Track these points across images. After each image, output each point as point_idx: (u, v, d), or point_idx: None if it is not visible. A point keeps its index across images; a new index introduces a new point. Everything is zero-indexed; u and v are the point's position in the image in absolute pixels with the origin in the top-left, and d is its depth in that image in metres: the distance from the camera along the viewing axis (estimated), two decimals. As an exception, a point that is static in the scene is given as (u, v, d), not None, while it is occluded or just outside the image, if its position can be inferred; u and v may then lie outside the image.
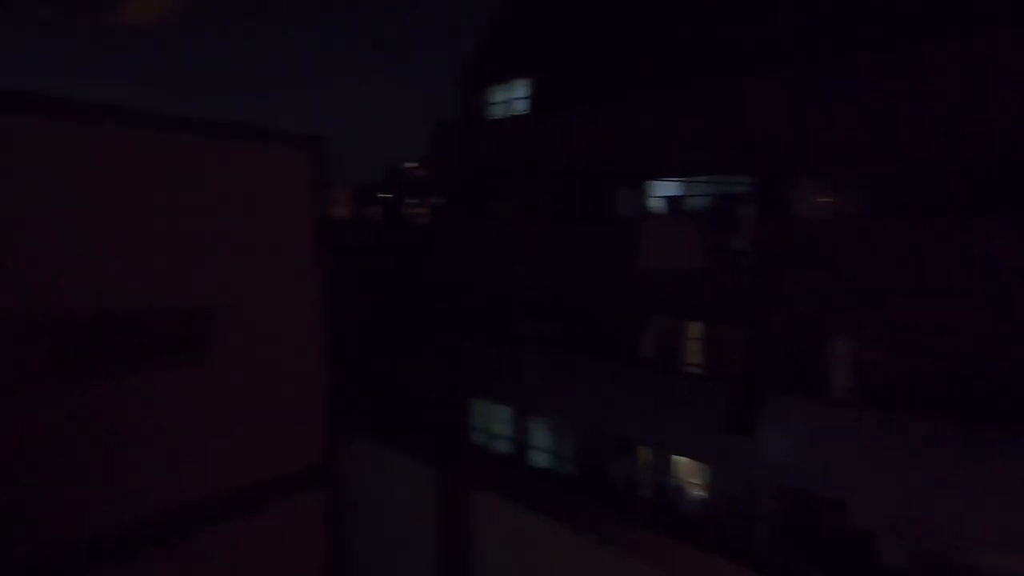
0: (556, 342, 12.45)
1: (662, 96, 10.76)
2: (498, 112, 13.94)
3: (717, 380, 10.16)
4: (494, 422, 13.68)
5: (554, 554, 2.22)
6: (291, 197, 2.32)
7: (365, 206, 16.66)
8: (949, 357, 8.15)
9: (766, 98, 9.51)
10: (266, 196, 2.15)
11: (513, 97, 13.52)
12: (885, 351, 8.82)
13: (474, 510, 2.45)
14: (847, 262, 8.72)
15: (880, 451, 8.32)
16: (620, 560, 2.15)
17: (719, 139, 9.99)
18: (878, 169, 9.27)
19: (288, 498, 2.68)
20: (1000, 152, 7.87)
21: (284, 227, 2.33)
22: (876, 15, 8.80)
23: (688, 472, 11.00)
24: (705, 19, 10.66)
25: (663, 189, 11.39)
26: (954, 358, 8.10)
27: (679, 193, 11.33)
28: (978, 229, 7.74)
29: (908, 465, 8.11)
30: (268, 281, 2.16)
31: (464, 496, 2.42)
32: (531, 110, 13.14)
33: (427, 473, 2.57)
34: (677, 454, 11.24)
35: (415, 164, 16.22)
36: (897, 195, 8.97)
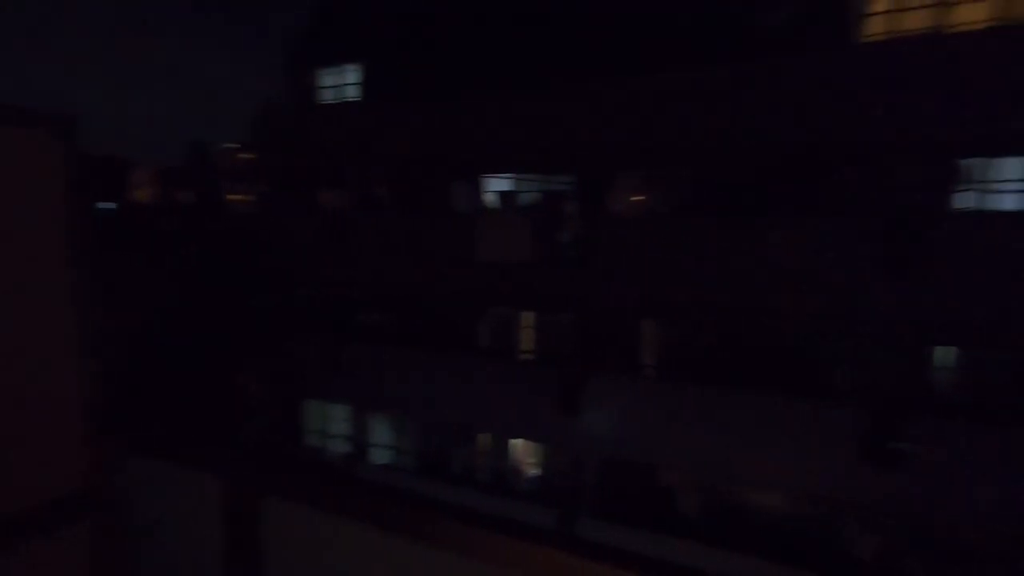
0: (395, 335, 12.27)
1: (493, 97, 11.10)
2: (329, 96, 13.22)
3: (549, 365, 10.86)
4: (331, 422, 13.07)
5: (357, 557, 2.16)
6: (35, 182, 1.99)
7: (174, 189, 14.69)
8: (735, 333, 9.68)
9: (586, 105, 10.32)
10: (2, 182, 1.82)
11: (345, 83, 12.93)
12: (684, 331, 10.19)
13: (267, 521, 2.30)
14: (654, 254, 9.86)
15: (680, 417, 9.60)
16: (430, 555, 2.16)
17: (544, 141, 10.61)
18: (681, 173, 10.63)
19: (46, 533, 2.25)
20: (771, 163, 9.49)
21: (27, 216, 1.98)
22: (681, 38, 10.02)
23: (524, 454, 11.63)
24: (534, 22, 11.22)
25: (497, 184, 11.79)
26: (738, 334, 9.64)
27: (512, 189, 11.81)
28: (758, 226, 9.25)
29: (702, 426, 9.47)
30: (6, 279, 1.82)
31: (254, 507, 2.25)
32: (364, 97, 12.68)
33: (212, 485, 2.34)
34: (514, 437, 11.81)
35: (235, 146, 14.69)
36: (695, 196, 10.36)
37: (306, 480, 2.14)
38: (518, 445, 11.88)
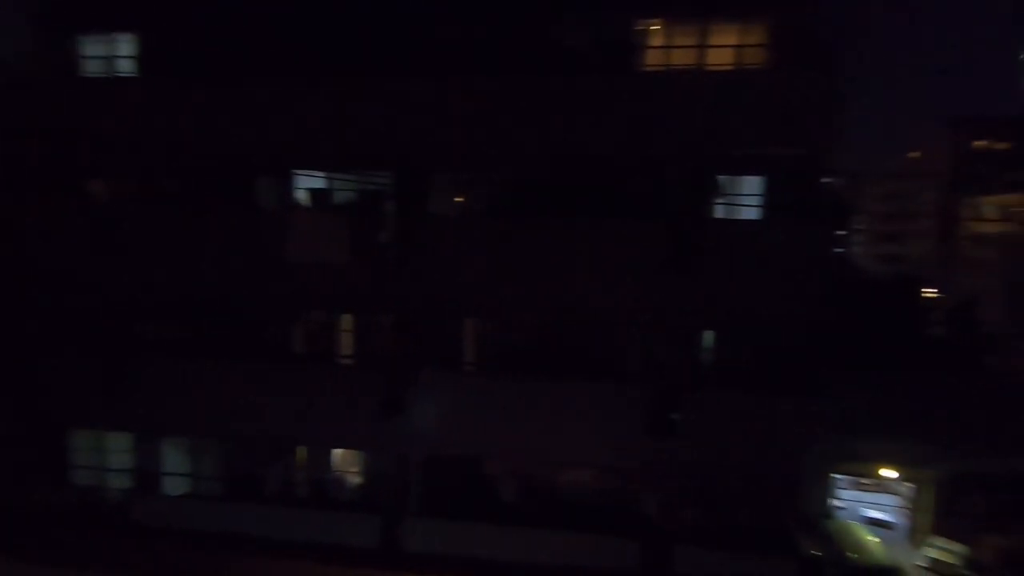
0: (191, 346, 10.85)
1: (300, 84, 10.38)
2: (97, 68, 11.16)
3: (370, 368, 10.57)
4: (109, 454, 11.13)
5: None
6: None
7: None
8: (548, 329, 10.45)
9: (401, 100, 10.20)
10: None
11: (116, 54, 11.04)
12: (502, 327, 10.72)
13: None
14: (472, 254, 10.19)
15: (500, 408, 10.07)
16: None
17: (360, 136, 10.27)
18: (496, 177, 11.09)
19: None
20: (573, 170, 10.36)
21: None
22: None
23: (347, 462, 11.19)
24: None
25: (309, 181, 11.09)
26: (549, 327, 10.42)
27: (326, 186, 11.22)
28: (561, 227, 10.07)
29: (520, 415, 10.05)
30: None
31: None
32: (141, 72, 10.97)
33: None
34: (336, 447, 11.28)
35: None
36: (510, 199, 10.90)
37: (51, 532, 1.75)
38: (340, 454, 11.38)
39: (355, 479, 11.21)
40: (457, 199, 11.41)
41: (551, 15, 10.31)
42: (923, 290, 36.23)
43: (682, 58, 10.11)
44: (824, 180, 10.69)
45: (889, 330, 24.58)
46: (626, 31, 10.28)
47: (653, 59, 10.26)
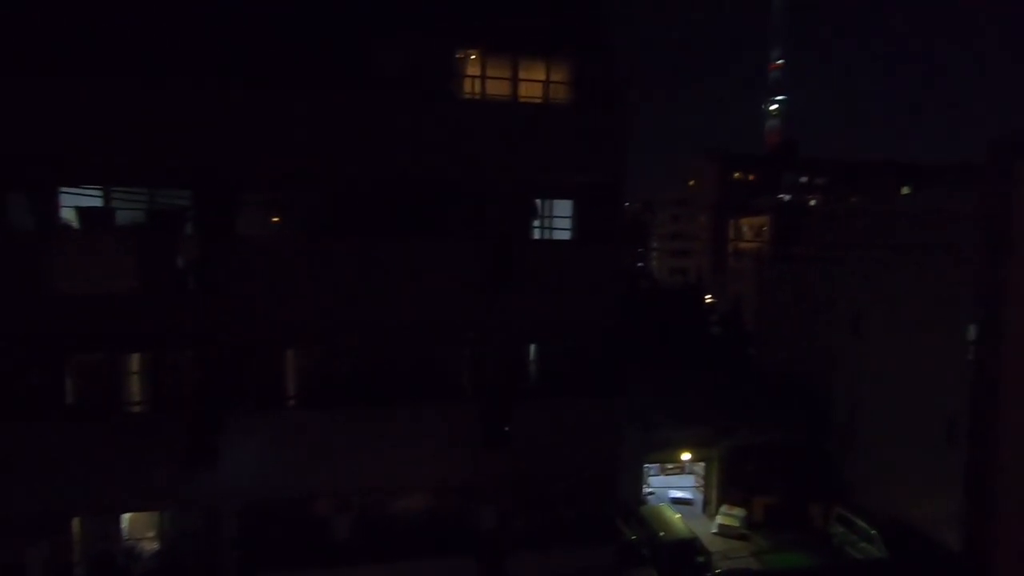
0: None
1: (69, 84, 8.81)
2: None
3: (169, 413, 9.21)
4: None
5: None
6: None
7: None
8: (374, 353, 10.15)
9: (204, 111, 9.24)
10: None
11: None
12: (327, 355, 10.16)
13: None
14: (292, 278, 9.53)
15: (328, 442, 9.50)
16: None
17: (152, 146, 9.04)
18: (316, 195, 10.57)
19: None
20: (397, 188, 10.32)
21: None
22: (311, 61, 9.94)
23: (140, 527, 9.54)
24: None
25: (82, 198, 9.41)
26: (379, 353, 10.14)
27: (105, 204, 9.62)
28: (384, 248, 9.92)
29: (350, 447, 9.59)
30: None
31: None
32: None
33: None
34: (126, 511, 9.57)
35: None
36: (332, 219, 10.45)
37: None
38: (132, 519, 9.67)
39: (153, 546, 9.61)
40: (273, 219, 10.65)
41: (369, 35, 10.26)
42: (704, 297, 42.97)
43: (496, 88, 10.80)
44: (623, 205, 12.18)
45: (679, 333, 28.68)
46: (445, 59, 10.66)
47: (470, 87, 10.79)
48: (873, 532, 17.02)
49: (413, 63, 10.48)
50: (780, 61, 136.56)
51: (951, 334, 17.16)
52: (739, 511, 20.09)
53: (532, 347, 10.91)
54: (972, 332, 16.35)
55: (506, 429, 9.92)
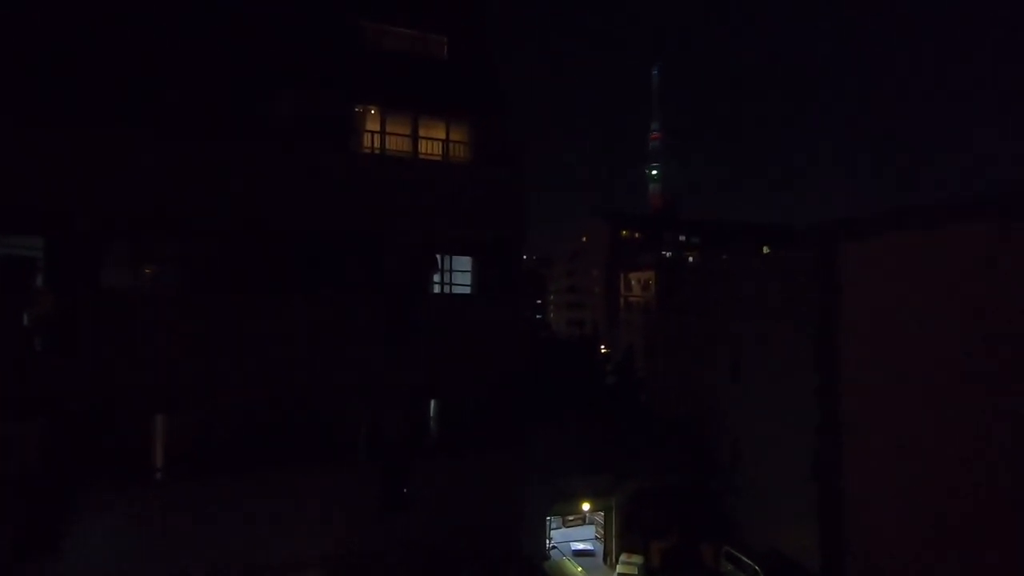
0: None
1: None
2: None
3: (9, 491, 7.81)
4: None
5: None
6: None
7: None
8: (260, 418, 9.38)
9: (57, 157, 8.44)
10: None
11: None
12: (200, 421, 9.24)
13: None
14: (157, 336, 8.69)
15: (203, 517, 8.51)
16: None
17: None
18: (192, 247, 9.85)
19: None
20: (282, 240, 9.91)
21: None
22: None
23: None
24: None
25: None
26: (262, 418, 9.39)
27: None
28: (272, 302, 9.41)
29: (230, 520, 8.65)
30: None
31: None
32: None
33: None
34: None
35: None
36: (211, 272, 9.75)
37: None
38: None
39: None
40: (146, 270, 9.75)
41: (263, 86, 10.08)
42: (599, 348, 44.76)
43: (397, 144, 10.97)
44: (521, 260, 12.61)
45: (576, 383, 29.50)
46: (343, 113, 10.68)
47: (368, 142, 10.86)
48: (756, 568, 18.06)
49: (309, 115, 10.40)
50: (658, 132, 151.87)
51: (809, 377, 19.26)
52: (637, 558, 20.44)
53: (432, 402, 10.70)
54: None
55: (405, 490, 9.52)
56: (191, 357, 8.74)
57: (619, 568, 20.32)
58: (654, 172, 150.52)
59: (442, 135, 11.46)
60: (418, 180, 10.54)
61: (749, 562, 18.61)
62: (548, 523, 21.44)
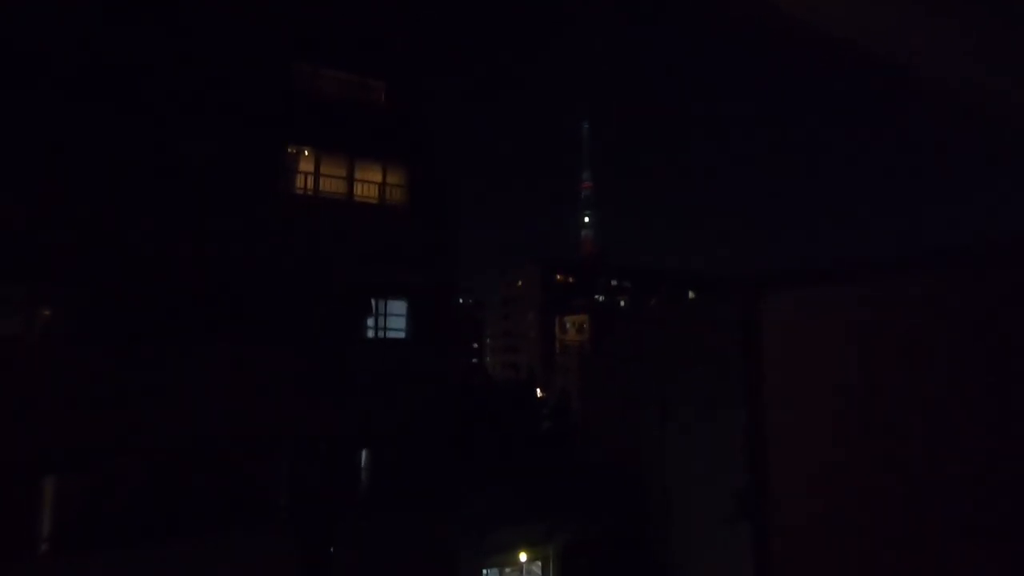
0: None
1: None
2: None
3: None
4: None
5: None
6: None
7: None
8: (165, 473, 8.56)
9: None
10: None
11: None
12: (100, 481, 8.32)
13: None
14: (61, 387, 7.86)
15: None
16: None
17: None
18: (83, 292, 9.08)
19: None
20: (202, 286, 9.36)
21: None
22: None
23: None
24: None
25: None
26: (169, 473, 8.57)
27: None
28: (186, 352, 8.76)
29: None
30: None
31: None
32: None
33: None
34: None
35: None
36: (106, 319, 9.00)
37: None
38: None
39: None
40: (43, 313, 8.86)
41: (185, 124, 9.70)
42: (535, 391, 44.77)
43: (332, 187, 10.78)
44: (456, 304, 12.54)
45: (512, 428, 29.17)
46: (276, 153, 10.43)
47: (302, 184, 10.61)
48: (692, 612, 18.07)
49: (239, 155, 10.08)
50: (588, 183, 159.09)
51: (734, 419, 20.06)
52: (576, 610, 19.94)
53: (364, 453, 10.20)
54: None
55: (331, 550, 8.89)
56: (87, 411, 7.91)
57: (558, 621, 19.69)
58: (586, 219, 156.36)
59: (379, 178, 11.40)
60: (352, 224, 10.36)
61: (685, 607, 18.59)
62: (485, 575, 20.61)
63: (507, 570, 22.42)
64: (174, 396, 8.43)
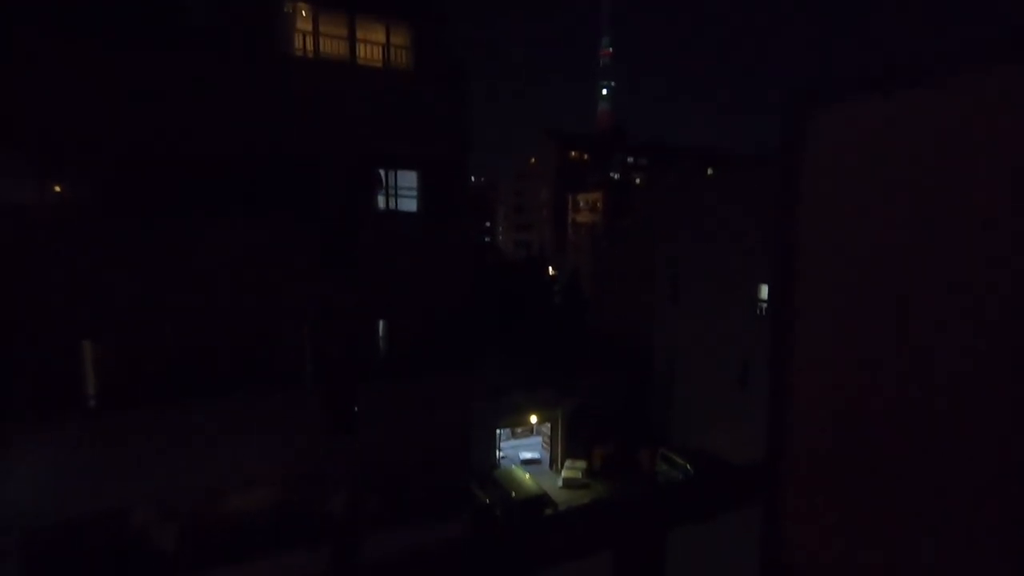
0: None
1: None
2: None
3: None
4: None
5: None
6: None
7: None
8: (193, 339, 8.98)
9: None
10: None
11: None
12: (136, 345, 8.77)
13: None
14: (89, 259, 8.00)
15: (141, 445, 8.29)
16: None
17: None
18: (111, 165, 8.88)
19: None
20: (207, 159, 9.09)
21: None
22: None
23: None
24: None
25: None
26: (197, 339, 8.99)
27: None
28: (204, 225, 8.75)
29: (170, 448, 8.47)
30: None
31: None
32: None
33: None
34: None
35: None
36: (130, 192, 8.88)
37: None
38: None
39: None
40: (55, 188, 8.79)
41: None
42: (547, 269, 45.33)
43: (333, 48, 10.00)
44: (468, 177, 12.18)
45: (524, 304, 30.01)
46: (268, 12, 9.55)
47: (300, 44, 9.84)
48: (687, 465, 19.79)
49: (233, 14, 9.25)
50: (609, 49, 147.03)
51: (744, 294, 20.33)
52: (581, 464, 21.91)
53: (381, 324, 10.56)
54: (763, 291, 19.52)
55: (355, 410, 9.55)
56: (116, 282, 8.11)
57: (564, 473, 21.76)
58: (604, 91, 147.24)
59: (382, 38, 10.52)
60: (355, 88, 9.73)
61: (681, 461, 20.30)
62: (498, 435, 22.44)
63: (518, 430, 24.38)
64: (198, 269, 8.57)
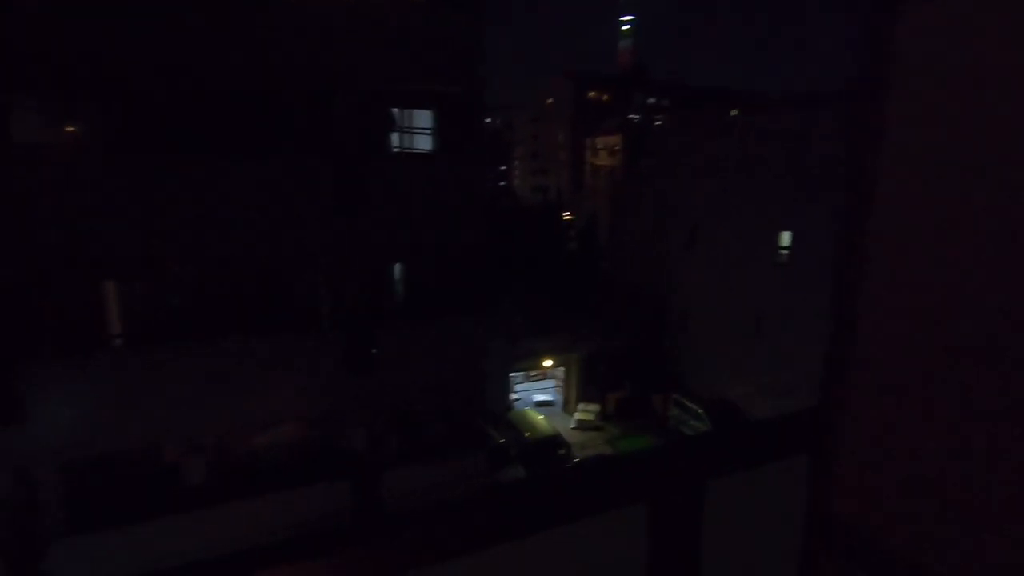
0: None
1: None
2: None
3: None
4: None
5: None
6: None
7: None
8: (209, 281, 9.04)
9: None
10: None
11: None
12: (155, 286, 8.86)
13: None
14: (103, 198, 7.94)
15: (166, 383, 8.51)
16: None
17: None
18: (119, 102, 8.67)
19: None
20: (219, 96, 8.82)
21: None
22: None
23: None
24: None
25: None
26: (213, 281, 9.05)
27: None
28: (217, 165, 8.61)
29: (195, 386, 8.69)
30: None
31: None
32: None
33: None
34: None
35: None
36: (141, 130, 8.72)
37: None
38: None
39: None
40: (68, 128, 8.67)
41: None
42: (562, 214, 44.72)
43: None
44: (483, 116, 11.75)
45: (539, 249, 29.78)
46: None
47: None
48: (700, 411, 20.05)
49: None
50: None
51: (763, 242, 19.89)
52: (594, 407, 22.31)
53: (397, 267, 10.51)
54: (784, 239, 19.07)
55: (373, 352, 9.66)
56: (129, 220, 8.08)
57: (577, 415, 22.21)
58: (625, 27, 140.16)
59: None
60: (365, 16, 9.26)
61: (693, 407, 20.56)
62: (512, 378, 22.82)
63: (532, 373, 24.78)
64: (215, 209, 8.49)
